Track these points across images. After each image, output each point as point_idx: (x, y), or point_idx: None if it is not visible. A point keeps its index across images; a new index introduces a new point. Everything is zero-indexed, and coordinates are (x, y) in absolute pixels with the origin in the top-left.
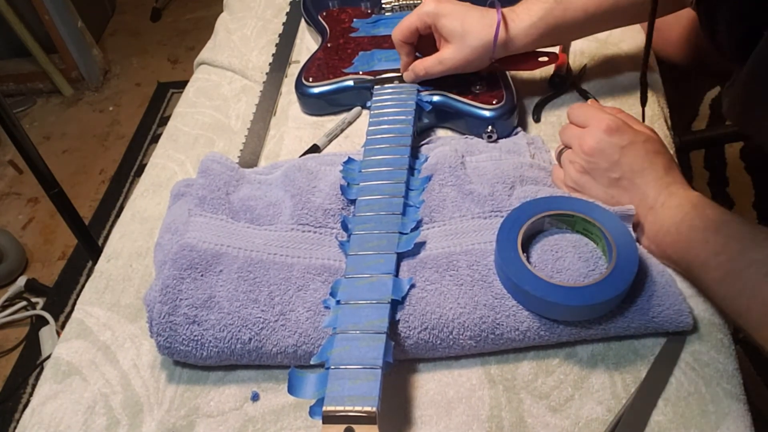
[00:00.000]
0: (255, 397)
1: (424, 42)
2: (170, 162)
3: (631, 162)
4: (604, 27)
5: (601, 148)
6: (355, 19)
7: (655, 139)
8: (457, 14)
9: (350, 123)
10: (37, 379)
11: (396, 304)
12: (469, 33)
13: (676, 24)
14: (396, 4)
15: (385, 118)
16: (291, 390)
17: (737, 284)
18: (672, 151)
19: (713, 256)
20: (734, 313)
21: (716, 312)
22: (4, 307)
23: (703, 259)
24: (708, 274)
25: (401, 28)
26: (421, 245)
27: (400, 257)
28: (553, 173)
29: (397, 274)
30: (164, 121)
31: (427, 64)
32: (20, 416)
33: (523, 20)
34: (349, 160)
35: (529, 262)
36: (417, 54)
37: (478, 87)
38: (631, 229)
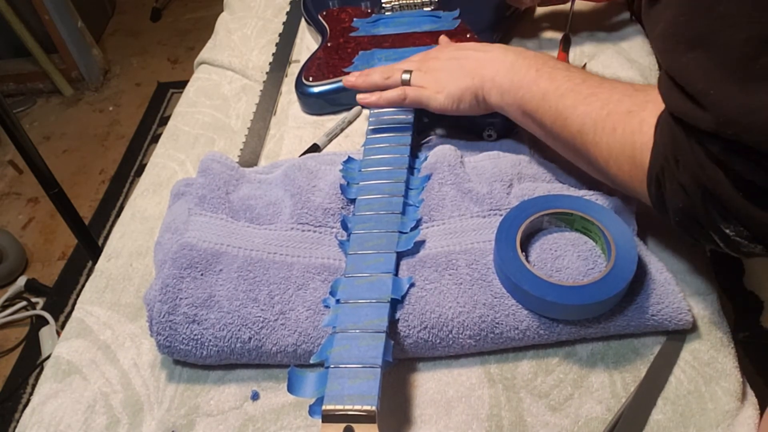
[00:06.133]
0: (255, 396)
1: None
2: (170, 161)
3: (468, 48)
4: None
5: (439, 51)
6: (355, 19)
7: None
8: None
9: (350, 122)
10: (37, 378)
11: (395, 303)
12: None
13: None
14: (396, 3)
15: (385, 117)
16: (291, 389)
17: (597, 102)
18: None
19: (576, 86)
20: (584, 126)
21: (716, 311)
22: (4, 307)
23: (564, 90)
24: (566, 101)
25: None
26: (420, 244)
27: (400, 256)
28: (409, 92)
29: (396, 273)
30: (164, 121)
31: None
32: (20, 416)
33: None
34: (349, 160)
35: (528, 261)
36: None
37: None
38: (632, 227)
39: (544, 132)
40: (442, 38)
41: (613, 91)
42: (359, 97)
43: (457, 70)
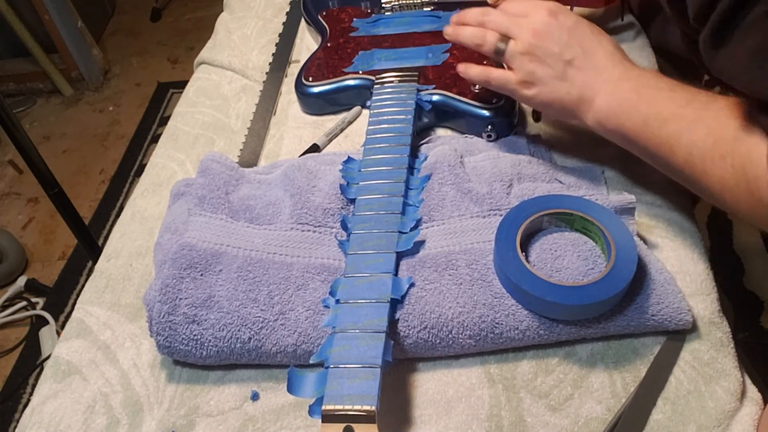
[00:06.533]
0: (255, 397)
1: None
2: (170, 161)
3: (581, 41)
4: None
5: (550, 32)
6: (355, 19)
7: (594, 24)
8: None
9: (350, 122)
10: (37, 378)
11: (395, 303)
12: None
13: None
14: (396, 3)
15: (385, 117)
16: (290, 389)
17: (702, 130)
18: None
19: (679, 109)
20: (692, 157)
21: (715, 310)
22: (4, 307)
23: (667, 115)
24: (669, 128)
25: None
26: (420, 244)
27: (400, 256)
28: (495, 76)
29: (396, 273)
30: (164, 121)
31: None
32: (20, 416)
33: None
34: (349, 160)
35: (528, 261)
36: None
37: (477, 86)
38: (632, 227)
39: (651, 160)
40: None
41: (719, 114)
42: (460, 68)
43: (558, 73)
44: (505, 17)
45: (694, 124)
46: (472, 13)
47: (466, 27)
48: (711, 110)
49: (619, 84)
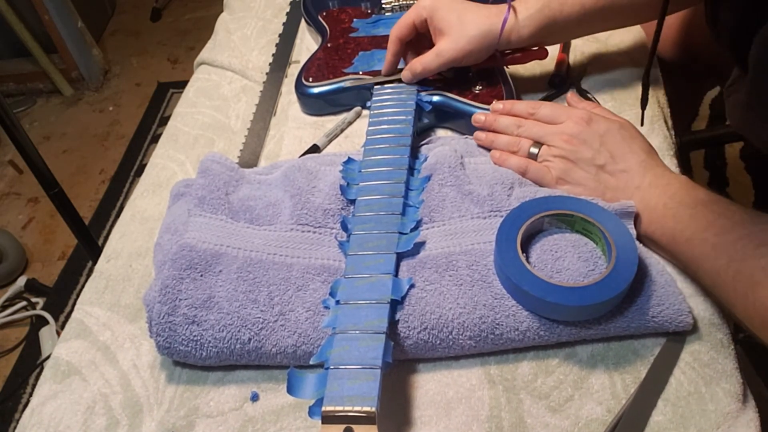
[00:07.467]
0: (254, 398)
1: (418, 47)
2: (170, 162)
3: (611, 147)
4: (603, 26)
5: (583, 138)
6: (355, 19)
7: (628, 125)
8: (454, 6)
9: (350, 123)
10: (37, 379)
11: (395, 304)
12: (466, 23)
13: (668, 20)
14: (396, 4)
15: (385, 118)
16: (290, 390)
17: (722, 258)
18: (672, 152)
19: (700, 231)
20: (717, 286)
21: (716, 312)
22: (4, 307)
23: (690, 234)
24: (693, 249)
25: (398, 25)
26: (420, 245)
27: (400, 257)
28: (533, 168)
29: (396, 274)
30: (164, 121)
31: (424, 60)
32: (20, 416)
33: (520, 12)
34: (349, 160)
35: (529, 262)
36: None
37: (478, 87)
38: (631, 227)
39: (686, 273)
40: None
41: (736, 244)
42: (496, 156)
43: (592, 176)
44: (538, 127)
45: (714, 251)
46: (506, 123)
47: (501, 136)
48: (730, 236)
49: (649, 191)
